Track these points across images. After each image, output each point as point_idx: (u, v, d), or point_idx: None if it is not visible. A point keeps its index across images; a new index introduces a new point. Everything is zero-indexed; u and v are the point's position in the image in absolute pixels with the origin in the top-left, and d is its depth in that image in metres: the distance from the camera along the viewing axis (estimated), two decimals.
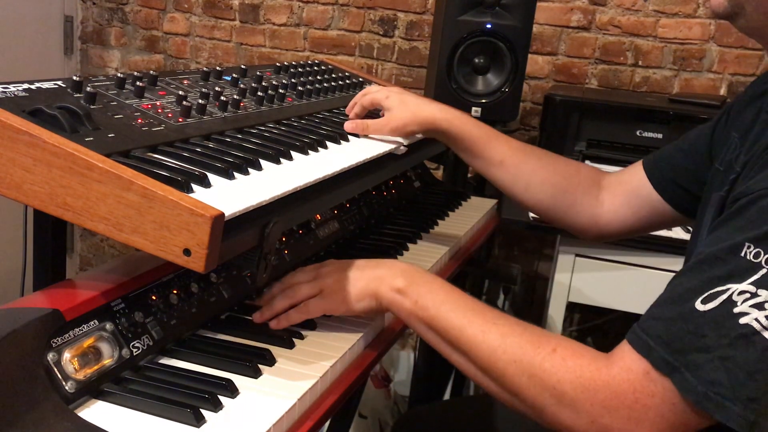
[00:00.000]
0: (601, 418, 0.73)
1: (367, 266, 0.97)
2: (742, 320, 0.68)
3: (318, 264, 1.02)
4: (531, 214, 1.82)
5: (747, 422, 0.68)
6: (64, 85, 0.94)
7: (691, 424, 0.71)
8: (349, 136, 1.20)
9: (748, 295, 0.68)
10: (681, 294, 0.72)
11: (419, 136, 1.28)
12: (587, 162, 1.94)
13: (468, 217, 1.62)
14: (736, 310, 0.68)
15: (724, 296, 0.69)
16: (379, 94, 1.24)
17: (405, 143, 1.24)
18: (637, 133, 1.96)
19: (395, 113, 1.21)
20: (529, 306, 2.58)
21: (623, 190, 1.17)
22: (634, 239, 1.75)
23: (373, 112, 1.28)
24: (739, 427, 0.68)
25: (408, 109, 1.21)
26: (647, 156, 1.17)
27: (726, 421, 0.68)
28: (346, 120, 1.29)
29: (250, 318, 0.99)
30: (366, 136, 1.24)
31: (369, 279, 0.95)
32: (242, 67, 1.30)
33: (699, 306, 0.70)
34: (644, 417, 0.72)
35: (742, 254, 0.70)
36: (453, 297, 0.90)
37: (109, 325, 0.80)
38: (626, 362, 0.74)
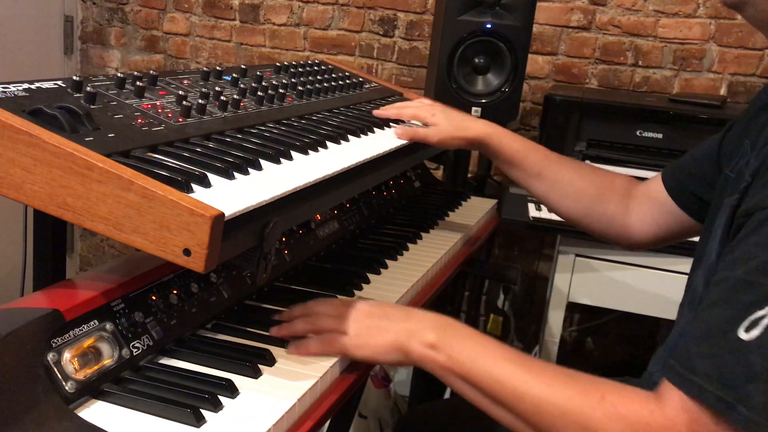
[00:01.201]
0: None
1: (396, 316, 0.93)
2: None
3: (345, 300, 0.98)
4: (531, 214, 1.82)
5: None
6: (64, 85, 0.94)
7: None
8: (349, 136, 1.20)
9: None
10: (720, 326, 0.70)
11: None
12: (587, 162, 1.94)
13: (468, 217, 1.62)
14: None
15: (766, 321, 0.68)
16: (424, 111, 1.33)
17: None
18: (637, 133, 1.96)
19: (443, 126, 1.29)
20: (529, 306, 2.58)
21: (647, 200, 1.20)
22: None
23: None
24: None
25: (454, 123, 1.29)
26: (666, 166, 1.20)
27: None
28: (348, 119, 1.29)
29: (249, 318, 0.99)
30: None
31: (398, 331, 0.90)
32: (242, 67, 1.30)
33: (743, 335, 0.68)
34: None
35: None
36: (489, 348, 0.86)
37: (109, 325, 0.80)
38: (676, 403, 0.71)
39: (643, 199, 1.21)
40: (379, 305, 0.96)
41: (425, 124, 1.31)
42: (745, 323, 0.68)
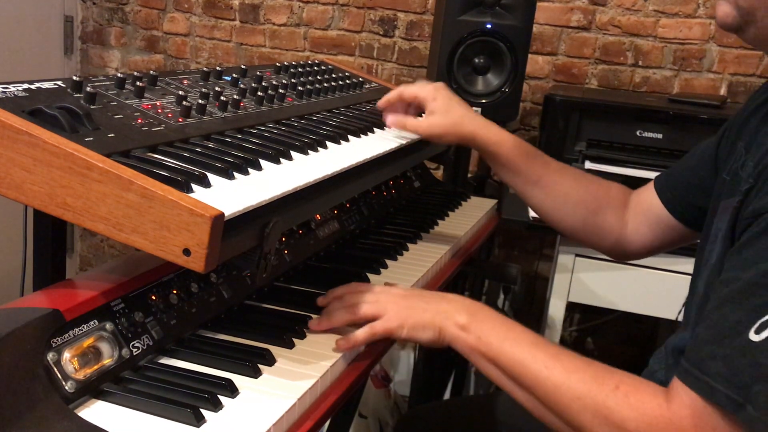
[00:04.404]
0: None
1: (432, 298, 0.98)
2: None
3: (379, 287, 1.02)
4: (531, 214, 1.82)
5: None
6: (64, 85, 0.94)
7: None
8: (349, 136, 1.20)
9: None
10: (731, 328, 0.71)
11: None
12: (587, 162, 1.94)
13: (468, 217, 1.62)
14: None
15: None
16: (426, 92, 1.23)
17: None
18: (637, 133, 1.96)
19: (437, 120, 1.21)
20: (529, 306, 2.58)
21: (641, 210, 1.18)
22: None
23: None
24: None
25: (451, 118, 1.21)
26: (659, 174, 1.18)
27: None
28: (348, 120, 1.29)
29: (249, 318, 0.99)
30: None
31: (435, 312, 0.95)
32: (242, 67, 1.30)
33: (753, 337, 0.69)
34: None
35: None
36: (515, 332, 0.90)
37: (109, 325, 0.80)
38: (684, 400, 0.73)
39: (637, 209, 1.19)
40: (411, 289, 1.01)
41: (423, 108, 1.25)
42: (756, 325, 0.69)
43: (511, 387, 0.88)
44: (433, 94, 1.23)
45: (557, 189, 1.21)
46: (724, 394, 0.70)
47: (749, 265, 0.72)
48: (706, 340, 0.73)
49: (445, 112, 1.21)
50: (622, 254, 1.23)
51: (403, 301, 0.97)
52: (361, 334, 0.94)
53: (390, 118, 1.25)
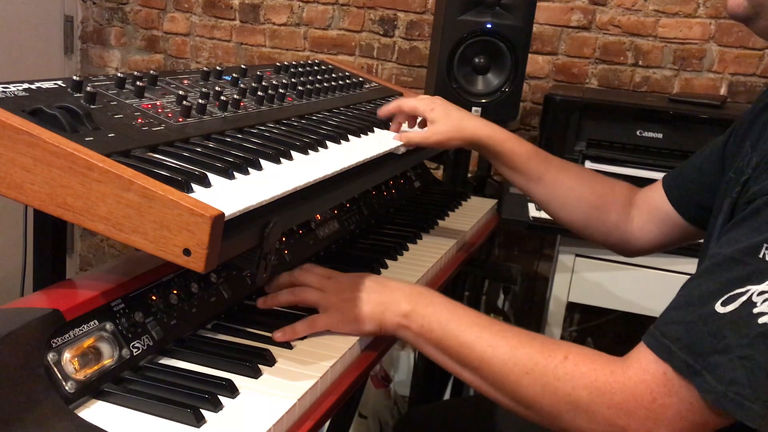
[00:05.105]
0: (619, 420, 0.73)
1: (373, 289, 0.97)
2: (762, 320, 0.68)
3: (329, 271, 1.02)
4: (531, 214, 1.82)
5: (767, 421, 0.68)
6: (64, 85, 0.94)
7: (710, 424, 0.71)
8: (349, 136, 1.20)
9: (767, 296, 0.69)
10: (700, 297, 0.72)
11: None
12: (587, 162, 1.94)
13: (468, 217, 1.62)
14: (755, 310, 0.68)
15: (744, 298, 0.69)
16: (423, 104, 1.26)
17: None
18: (637, 133, 1.96)
19: (439, 126, 1.23)
20: (529, 306, 2.58)
21: (648, 207, 1.19)
22: None
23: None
24: (759, 426, 0.68)
25: (452, 122, 1.23)
26: (667, 173, 1.19)
27: (746, 420, 0.68)
28: (348, 119, 1.29)
29: (250, 318, 0.99)
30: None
31: (375, 304, 0.95)
32: (242, 67, 1.30)
33: (719, 308, 0.70)
34: (662, 417, 0.72)
35: (761, 255, 0.70)
36: (458, 315, 0.89)
37: (109, 325, 0.80)
38: (642, 364, 0.74)
39: (644, 206, 1.20)
40: (357, 278, 1.00)
41: (423, 119, 1.27)
42: (724, 297, 0.70)
43: (459, 370, 0.87)
44: (431, 105, 1.26)
45: (559, 186, 1.23)
46: (682, 359, 0.71)
47: (732, 243, 0.73)
48: (674, 306, 0.75)
49: (445, 117, 1.23)
50: (627, 251, 1.24)
51: (345, 293, 0.97)
52: (300, 326, 0.94)
53: (396, 135, 1.27)
